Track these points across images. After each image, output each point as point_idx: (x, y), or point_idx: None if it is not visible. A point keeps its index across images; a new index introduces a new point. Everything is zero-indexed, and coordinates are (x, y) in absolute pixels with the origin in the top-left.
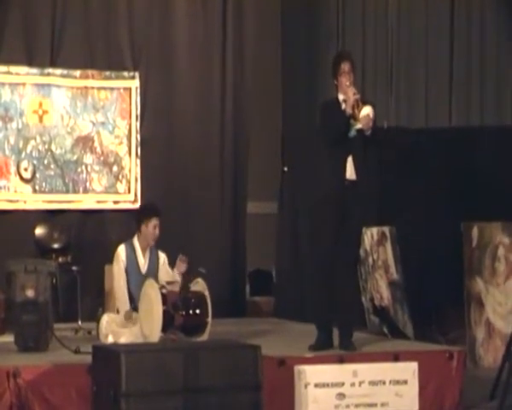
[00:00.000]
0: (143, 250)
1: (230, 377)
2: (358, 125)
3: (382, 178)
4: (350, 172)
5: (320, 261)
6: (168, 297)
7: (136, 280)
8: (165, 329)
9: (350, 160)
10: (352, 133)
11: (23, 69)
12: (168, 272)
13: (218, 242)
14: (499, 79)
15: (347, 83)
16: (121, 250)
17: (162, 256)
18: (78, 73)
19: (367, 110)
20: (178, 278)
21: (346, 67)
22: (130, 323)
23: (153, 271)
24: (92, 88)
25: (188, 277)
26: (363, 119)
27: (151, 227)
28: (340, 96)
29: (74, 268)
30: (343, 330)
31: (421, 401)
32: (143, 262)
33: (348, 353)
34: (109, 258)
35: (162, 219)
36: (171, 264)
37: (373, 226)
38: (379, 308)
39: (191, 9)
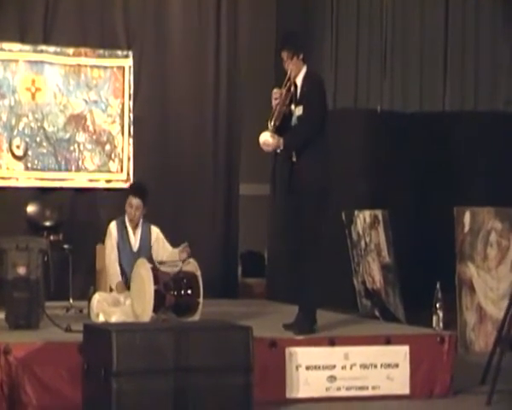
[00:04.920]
0: (134, 228)
1: (221, 358)
2: (299, 112)
3: (376, 161)
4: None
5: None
6: (160, 277)
7: (127, 257)
8: (156, 309)
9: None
10: (294, 121)
11: (16, 46)
12: (164, 247)
13: (211, 223)
14: (494, 65)
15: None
16: (113, 227)
17: (155, 231)
18: (71, 50)
19: (262, 138)
20: (176, 252)
21: (283, 56)
22: (122, 299)
23: (145, 247)
24: (85, 66)
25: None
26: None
27: (127, 206)
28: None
29: (66, 246)
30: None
31: (412, 385)
32: (134, 239)
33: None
34: (101, 237)
35: (155, 198)
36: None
37: (365, 210)
38: (371, 291)
39: None
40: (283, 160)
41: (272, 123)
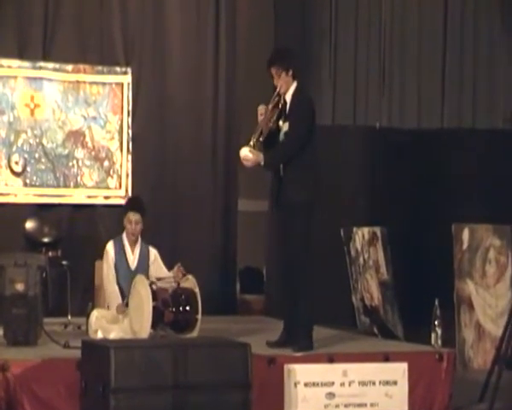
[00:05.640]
0: (132, 246)
1: (220, 375)
2: (286, 128)
3: (374, 178)
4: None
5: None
6: (158, 293)
7: (125, 276)
8: (154, 325)
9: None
10: (281, 137)
11: (15, 62)
12: (161, 269)
13: (209, 239)
14: (492, 82)
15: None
16: (110, 247)
17: (153, 252)
18: (70, 67)
19: (242, 153)
20: (171, 275)
21: (272, 72)
22: (122, 316)
23: (143, 267)
24: (84, 82)
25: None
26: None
27: (126, 222)
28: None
29: (64, 263)
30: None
31: (410, 402)
32: (132, 258)
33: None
34: (99, 253)
35: (153, 214)
36: (164, 261)
37: (364, 226)
38: (369, 308)
39: (184, 5)
40: (273, 174)
41: (255, 139)
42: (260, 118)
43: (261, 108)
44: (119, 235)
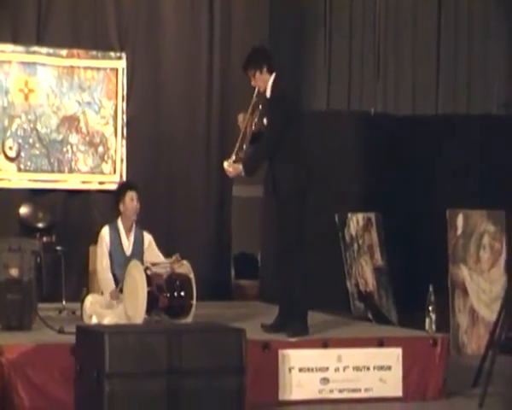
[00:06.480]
0: (127, 232)
1: (214, 360)
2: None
3: (369, 164)
4: None
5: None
6: (153, 279)
7: (120, 262)
8: (149, 310)
9: None
10: None
11: (9, 47)
12: (155, 254)
13: (204, 224)
14: (486, 68)
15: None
16: (105, 232)
17: (148, 238)
18: (64, 52)
19: (224, 166)
20: (166, 261)
21: (249, 76)
22: (115, 302)
23: (137, 252)
24: (78, 67)
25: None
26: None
27: (128, 200)
28: None
29: (59, 248)
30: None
31: (404, 387)
32: (127, 244)
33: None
34: (94, 238)
35: (148, 200)
36: (158, 246)
37: (358, 212)
38: (364, 294)
39: None
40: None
41: (235, 154)
42: (241, 125)
43: (240, 117)
44: (113, 220)
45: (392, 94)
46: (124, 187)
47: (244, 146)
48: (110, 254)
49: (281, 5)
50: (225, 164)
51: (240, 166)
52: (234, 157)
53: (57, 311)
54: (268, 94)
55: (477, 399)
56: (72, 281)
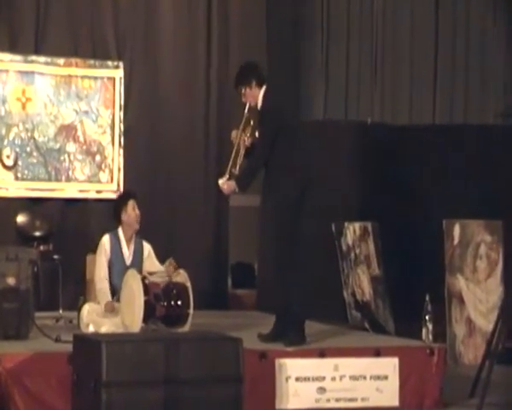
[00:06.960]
0: (128, 241)
1: (211, 370)
2: None
3: (366, 173)
4: None
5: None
6: (150, 288)
7: (119, 271)
8: (146, 319)
9: None
10: None
11: (6, 56)
12: (154, 264)
13: (201, 233)
14: (483, 79)
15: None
16: (105, 240)
17: (147, 247)
18: (61, 61)
19: (219, 183)
20: (163, 269)
21: (241, 94)
22: (111, 314)
23: (137, 262)
24: (76, 76)
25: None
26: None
27: (130, 209)
28: None
29: (56, 257)
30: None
31: (401, 397)
32: (128, 253)
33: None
34: (91, 247)
35: (145, 209)
36: (156, 255)
37: (355, 221)
38: (360, 303)
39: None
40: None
41: (228, 171)
42: (234, 141)
43: (233, 133)
44: (111, 229)
45: (389, 104)
46: (125, 196)
47: (238, 162)
48: (110, 263)
49: (278, 12)
50: (220, 182)
51: (233, 184)
52: (227, 175)
53: (54, 320)
54: (259, 107)
55: (474, 409)
56: (70, 290)
